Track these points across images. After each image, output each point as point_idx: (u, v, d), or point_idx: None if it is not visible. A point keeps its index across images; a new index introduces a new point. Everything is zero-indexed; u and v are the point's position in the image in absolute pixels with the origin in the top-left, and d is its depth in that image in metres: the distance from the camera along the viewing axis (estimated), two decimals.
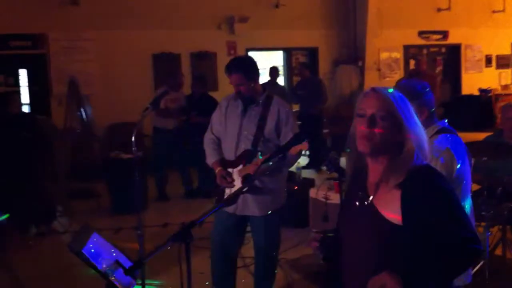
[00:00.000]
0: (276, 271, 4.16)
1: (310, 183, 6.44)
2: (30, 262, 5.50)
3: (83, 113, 7.30)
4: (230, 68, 3.82)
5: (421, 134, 1.95)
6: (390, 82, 9.41)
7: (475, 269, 4.25)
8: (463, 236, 1.82)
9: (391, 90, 1.98)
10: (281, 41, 11.78)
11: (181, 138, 7.85)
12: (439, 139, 2.81)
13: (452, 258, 1.82)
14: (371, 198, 1.97)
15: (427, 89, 2.88)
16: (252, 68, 3.84)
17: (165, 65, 10.51)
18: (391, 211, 1.90)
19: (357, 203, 2.02)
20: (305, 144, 3.32)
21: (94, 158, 7.93)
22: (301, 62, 11.76)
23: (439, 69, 14.32)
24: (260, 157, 3.67)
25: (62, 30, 9.72)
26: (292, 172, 6.35)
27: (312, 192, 6.01)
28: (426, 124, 2.83)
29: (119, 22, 10.00)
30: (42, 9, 9.46)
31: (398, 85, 3.21)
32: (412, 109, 1.97)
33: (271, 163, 2.92)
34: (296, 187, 6.17)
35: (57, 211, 6.89)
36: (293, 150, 3.57)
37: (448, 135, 2.84)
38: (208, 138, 4.02)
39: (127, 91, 9.84)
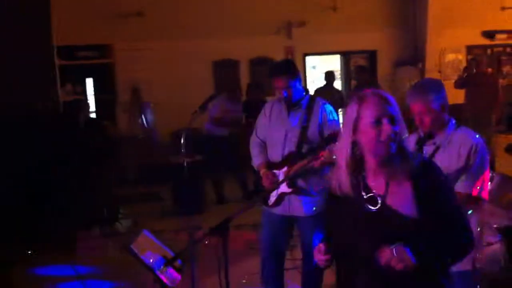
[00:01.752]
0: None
1: None
2: (92, 262, 5.81)
3: (144, 120, 7.62)
4: (274, 72, 3.97)
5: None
6: (451, 84, 9.23)
7: None
8: (466, 227, 2.08)
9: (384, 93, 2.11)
10: (339, 45, 11.77)
11: (235, 143, 8.06)
12: (468, 131, 2.92)
13: (458, 247, 2.07)
14: (380, 199, 2.06)
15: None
16: (295, 71, 3.97)
17: (225, 72, 10.79)
18: (405, 207, 2.02)
19: (369, 206, 2.08)
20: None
21: (158, 163, 8.24)
22: (358, 65, 11.71)
23: (506, 69, 13.88)
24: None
25: (127, 40, 10.15)
26: None
27: None
28: (446, 118, 2.92)
29: (181, 31, 10.33)
30: (108, 20, 9.92)
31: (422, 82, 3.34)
32: None
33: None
34: None
35: (120, 213, 7.23)
36: (316, 163, 3.65)
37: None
38: (253, 141, 4.18)
39: (189, 98, 10.12)
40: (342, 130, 2.15)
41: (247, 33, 10.80)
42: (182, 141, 4.12)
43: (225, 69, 10.89)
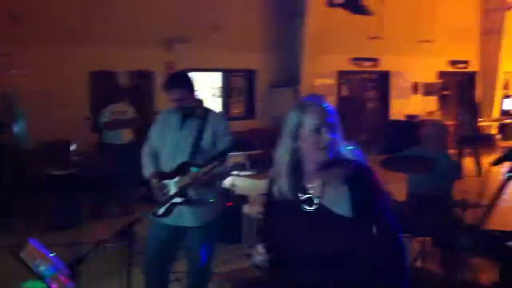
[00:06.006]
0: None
1: (244, 199, 6.59)
2: None
3: (17, 129, 7.18)
4: (171, 84, 3.96)
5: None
6: None
7: None
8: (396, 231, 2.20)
9: (323, 101, 2.22)
10: (220, 63, 12.00)
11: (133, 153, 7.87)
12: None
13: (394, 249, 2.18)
14: (318, 198, 2.17)
15: None
16: (191, 82, 4.01)
17: (102, 83, 10.47)
18: (340, 206, 2.13)
19: (306, 206, 2.19)
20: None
21: (28, 175, 7.79)
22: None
23: (370, 94, 14.93)
24: (195, 170, 3.81)
25: None
26: (227, 188, 6.50)
27: (246, 208, 6.18)
28: None
29: (57, 37, 9.90)
30: None
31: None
32: None
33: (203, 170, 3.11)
34: (230, 203, 6.31)
35: None
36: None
37: None
38: (145, 150, 4.13)
39: (62, 108, 9.72)
40: (282, 136, 2.23)
41: (127, 45, 10.62)
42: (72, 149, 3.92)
43: (102, 80, 10.58)
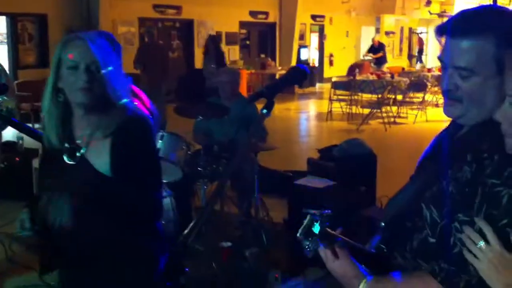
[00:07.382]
0: None
1: (33, 153, 6.06)
2: None
3: None
4: None
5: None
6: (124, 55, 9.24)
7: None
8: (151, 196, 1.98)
9: (93, 36, 1.88)
10: (4, 5, 10.71)
11: None
12: None
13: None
14: (82, 150, 1.90)
15: None
16: None
17: None
18: (101, 163, 1.88)
19: (65, 157, 1.92)
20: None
21: None
22: None
23: (174, 43, 14.71)
24: None
25: None
26: (13, 142, 5.97)
27: (36, 163, 5.70)
28: None
29: None
30: None
31: None
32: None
33: None
34: (17, 158, 5.77)
35: None
36: None
37: None
38: None
39: None
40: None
41: None
42: None
43: None
